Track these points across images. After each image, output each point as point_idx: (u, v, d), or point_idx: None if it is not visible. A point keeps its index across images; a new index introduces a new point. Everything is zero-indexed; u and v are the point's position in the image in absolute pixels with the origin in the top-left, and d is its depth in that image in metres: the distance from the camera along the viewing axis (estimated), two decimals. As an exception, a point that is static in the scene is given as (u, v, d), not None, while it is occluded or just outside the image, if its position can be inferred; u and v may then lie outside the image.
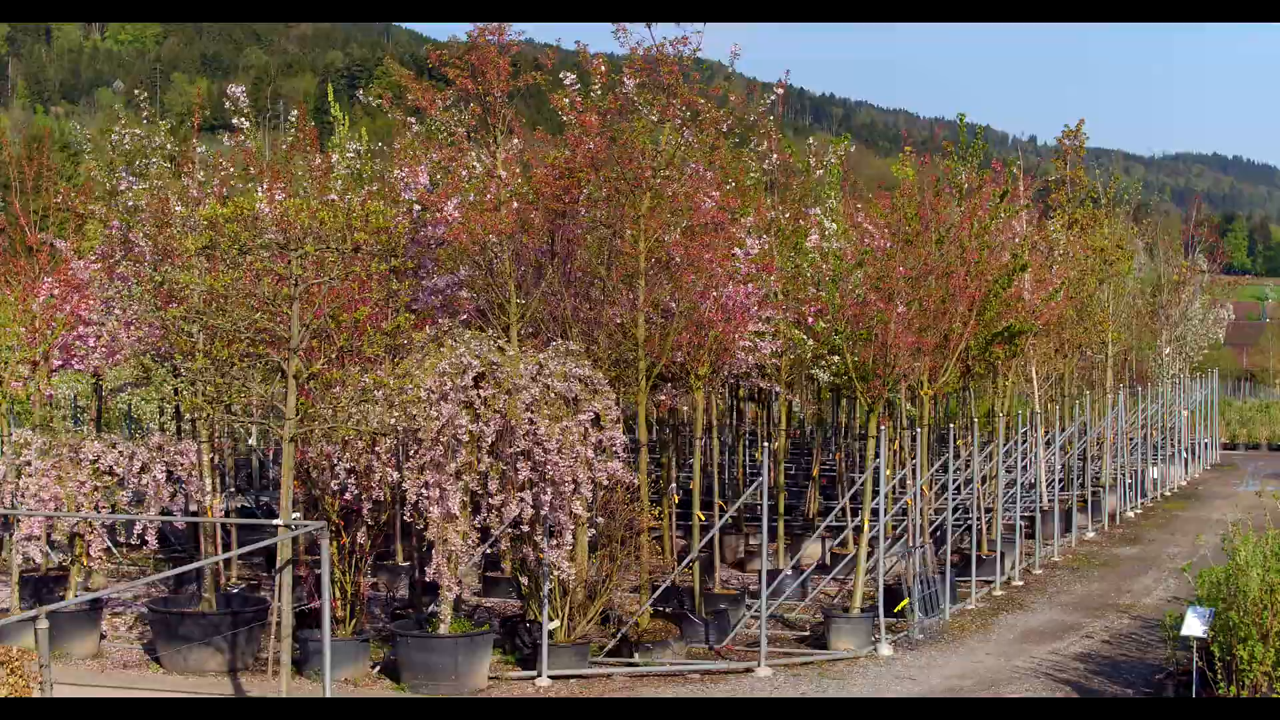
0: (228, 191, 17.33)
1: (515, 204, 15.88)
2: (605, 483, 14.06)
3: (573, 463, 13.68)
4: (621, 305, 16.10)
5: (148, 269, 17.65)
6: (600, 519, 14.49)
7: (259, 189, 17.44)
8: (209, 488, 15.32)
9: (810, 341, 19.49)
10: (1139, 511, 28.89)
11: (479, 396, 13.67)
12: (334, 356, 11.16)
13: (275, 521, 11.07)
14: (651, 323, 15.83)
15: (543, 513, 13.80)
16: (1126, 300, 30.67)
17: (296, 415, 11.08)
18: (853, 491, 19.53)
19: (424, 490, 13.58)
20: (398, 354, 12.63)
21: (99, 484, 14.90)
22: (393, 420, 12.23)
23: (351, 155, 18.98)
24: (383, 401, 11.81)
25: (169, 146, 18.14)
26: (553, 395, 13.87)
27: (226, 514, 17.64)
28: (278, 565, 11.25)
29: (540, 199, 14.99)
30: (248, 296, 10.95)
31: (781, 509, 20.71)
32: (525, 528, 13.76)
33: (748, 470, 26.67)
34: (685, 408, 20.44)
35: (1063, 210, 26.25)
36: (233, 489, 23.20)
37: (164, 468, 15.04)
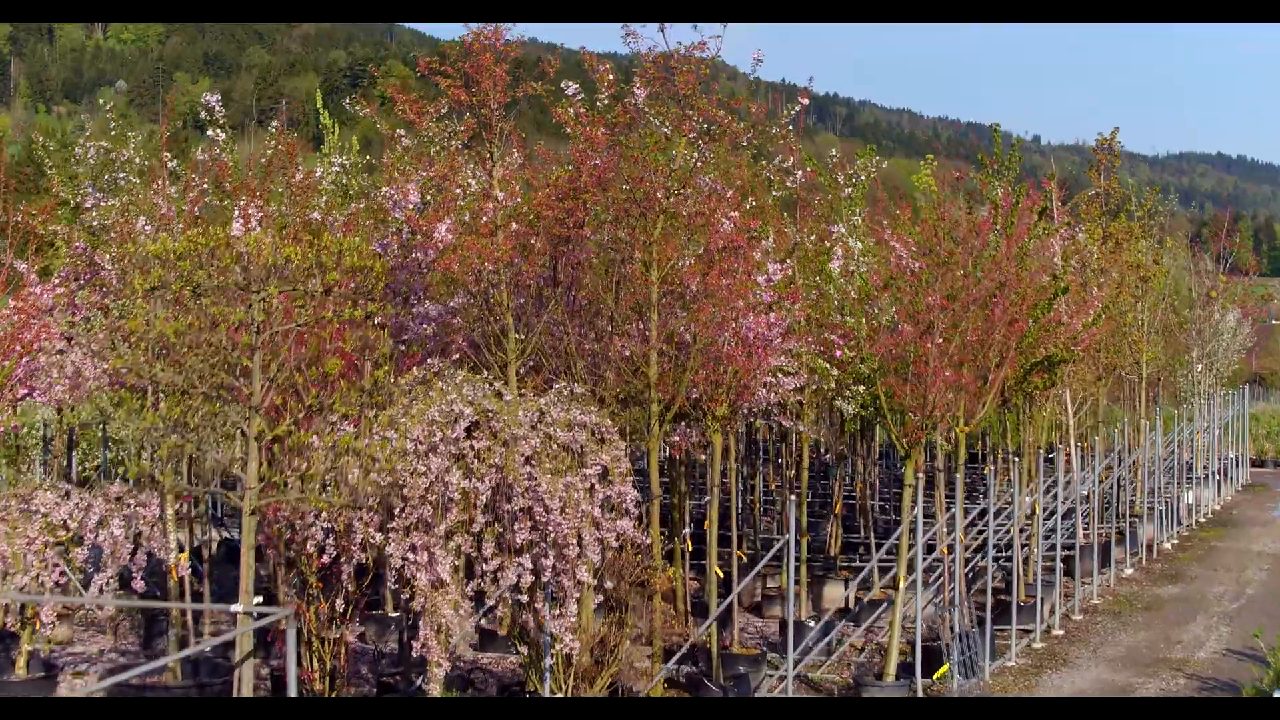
0: (200, 211, 15.86)
1: (514, 225, 14.37)
2: (614, 544, 12.54)
3: (577, 522, 12.16)
4: (631, 337, 14.60)
5: (110, 300, 16.21)
6: (608, 583, 12.97)
7: (236, 206, 15.94)
8: (173, 544, 13.81)
9: (835, 372, 17.99)
10: (1175, 542, 27.33)
11: (472, 449, 12.14)
12: (303, 416, 9.65)
13: (234, 607, 9.56)
14: (664, 355, 14.33)
15: (544, 578, 12.28)
16: (1159, 316, 29.12)
17: (260, 484, 9.56)
18: (883, 540, 18.02)
19: (410, 555, 12.06)
20: (379, 406, 11.10)
21: (52, 540, 13.40)
22: (371, 489, 10.70)
23: (337, 169, 17.48)
24: (361, 463, 10.28)
25: (138, 160, 16.67)
26: (555, 447, 12.34)
27: (199, 559, 16.11)
28: (236, 657, 9.74)
29: (541, 222, 13.47)
30: (202, 345, 9.42)
31: (804, 554, 19.18)
32: (524, 596, 12.23)
33: (764, 497, 25.19)
34: (701, 455, 18.84)
35: (1096, 224, 24.69)
36: (208, 519, 21.65)
37: (124, 521, 13.54)
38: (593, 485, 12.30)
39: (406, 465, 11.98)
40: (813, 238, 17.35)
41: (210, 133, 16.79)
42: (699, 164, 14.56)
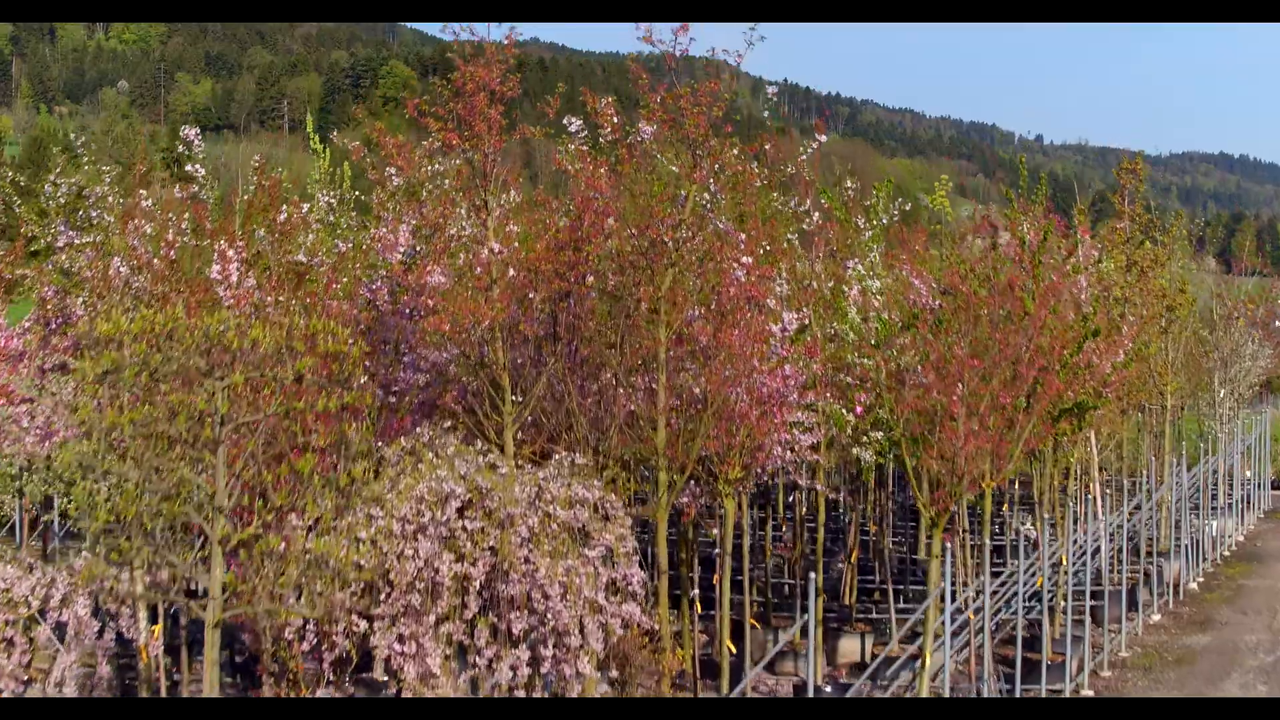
0: (176, 254, 14.85)
1: (512, 271, 13.36)
2: (619, 629, 11.54)
3: (579, 609, 11.16)
4: (637, 389, 13.59)
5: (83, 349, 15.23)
6: (613, 671, 11.97)
7: (215, 249, 14.93)
8: (143, 624, 12.79)
9: (851, 418, 16.98)
10: (1201, 580, 26.28)
11: (464, 530, 11.15)
12: (271, 520, 8.64)
13: (195, 731, 8.56)
14: (674, 410, 13.32)
15: (543, 668, 11.30)
16: (1184, 344, 28.05)
17: (225, 594, 8.55)
18: (900, 583, 17.00)
19: (397, 645, 11.07)
20: (352, 492, 10.09)
21: (11, 617, 12.39)
22: (353, 577, 9.70)
23: (325, 206, 16.46)
24: (337, 570, 9.27)
25: (111, 199, 15.67)
26: (555, 526, 11.35)
27: (176, 624, 15.10)
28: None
29: (540, 276, 12.46)
30: (160, 437, 8.42)
31: (820, 610, 18.14)
32: (521, 692, 11.23)
33: (774, 532, 24.16)
34: (713, 528, 17.73)
35: (1120, 251, 23.63)
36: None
37: (90, 599, 12.52)
38: (596, 569, 11.32)
39: (393, 547, 11.01)
40: (830, 284, 16.31)
41: (189, 168, 15.77)
42: (710, 208, 13.55)
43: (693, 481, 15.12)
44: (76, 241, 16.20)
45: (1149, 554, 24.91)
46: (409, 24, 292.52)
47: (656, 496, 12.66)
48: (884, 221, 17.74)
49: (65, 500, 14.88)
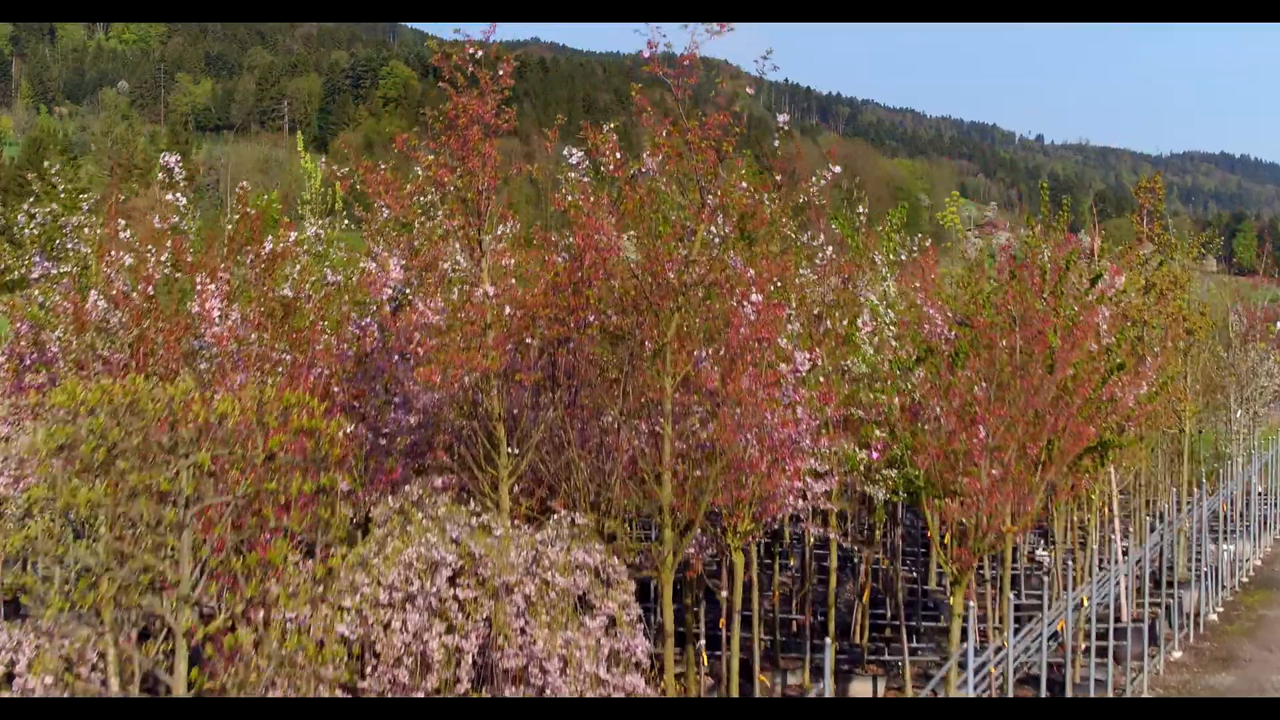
0: (154, 290, 14.10)
1: (508, 309, 12.58)
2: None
3: (580, 685, 10.40)
4: (640, 434, 12.83)
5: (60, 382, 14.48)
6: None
7: (196, 283, 14.18)
8: (117, 687, 12.01)
9: (863, 454, 16.22)
10: (1221, 611, 25.49)
11: (456, 600, 10.38)
12: (241, 611, 7.88)
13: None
14: (679, 455, 12.54)
15: (540, 746, 10.52)
16: (1202, 365, 27.30)
17: (190, 691, 7.78)
18: (911, 617, 16.23)
19: (383, 723, 10.29)
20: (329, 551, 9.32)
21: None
22: (336, 653, 8.93)
23: (313, 235, 15.70)
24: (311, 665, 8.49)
25: (87, 230, 14.92)
26: (554, 594, 10.58)
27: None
28: None
29: (538, 323, 11.69)
30: (119, 520, 7.66)
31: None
32: (516, 773, 10.45)
33: (781, 561, 23.38)
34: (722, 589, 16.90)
35: (1138, 272, 22.87)
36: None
37: (61, 662, 11.76)
38: (598, 640, 10.56)
39: (379, 617, 10.24)
40: (845, 321, 15.54)
41: (171, 196, 15.01)
42: (717, 240, 12.76)
43: (699, 531, 14.36)
44: (53, 272, 15.48)
45: (1169, 584, 24.14)
46: (409, 24, 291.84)
47: (660, 554, 11.87)
48: (901, 258, 16.95)
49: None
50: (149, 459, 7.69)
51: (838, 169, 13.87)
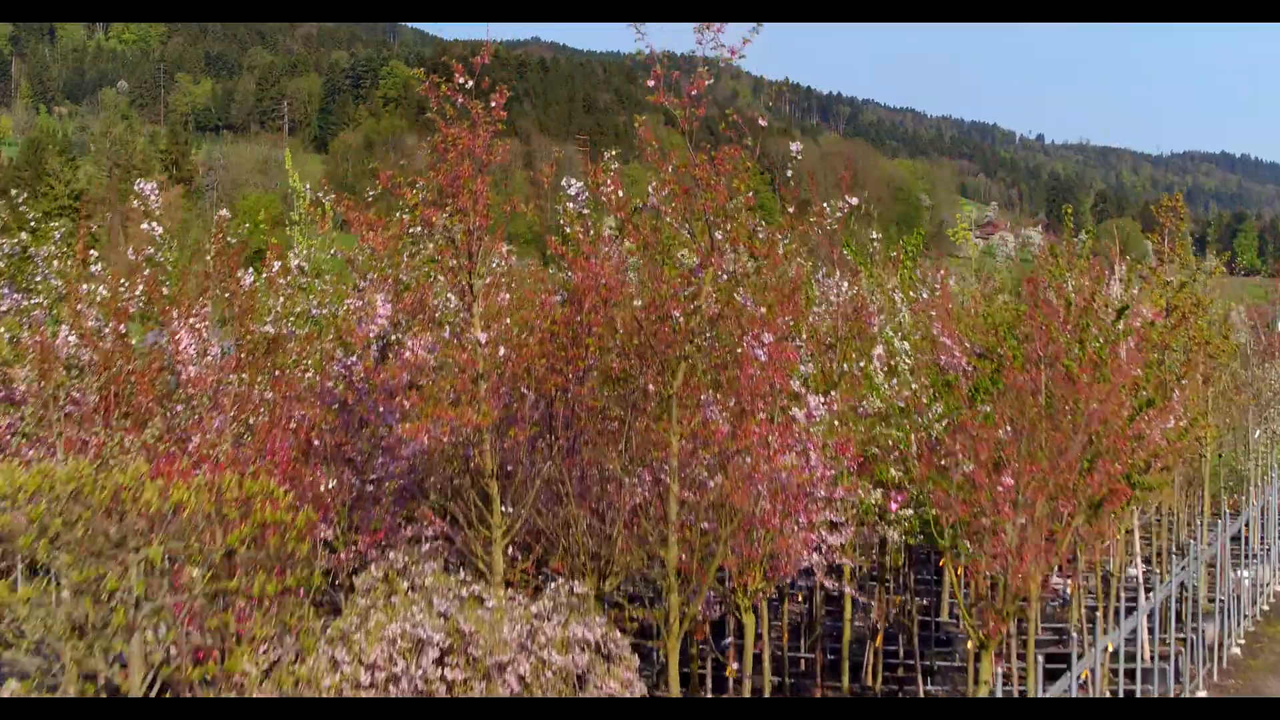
0: (127, 328, 13.28)
1: (502, 350, 11.73)
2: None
3: (578, 773, 9.55)
4: (642, 483, 12.00)
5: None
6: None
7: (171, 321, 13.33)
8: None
9: (877, 494, 15.41)
10: (1243, 643, 24.63)
11: (443, 680, 9.55)
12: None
13: None
14: (684, 504, 11.70)
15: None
16: (1223, 387, 26.43)
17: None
18: (925, 654, 15.38)
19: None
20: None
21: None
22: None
23: (297, 268, 14.86)
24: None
25: (56, 263, 14.10)
26: (550, 674, 9.74)
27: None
28: None
29: (533, 374, 10.85)
30: (62, 620, 6.81)
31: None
32: None
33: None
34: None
35: (1159, 294, 21.98)
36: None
37: None
38: (597, 724, 9.71)
39: (360, 697, 9.40)
40: (860, 364, 14.70)
41: (145, 226, 14.17)
42: (725, 280, 11.91)
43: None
44: (22, 305, 14.68)
45: (1192, 616, 23.29)
46: (409, 24, 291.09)
47: (667, 624, 11.02)
48: (924, 295, 16.10)
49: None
50: (95, 553, 6.85)
51: (854, 200, 13.02)
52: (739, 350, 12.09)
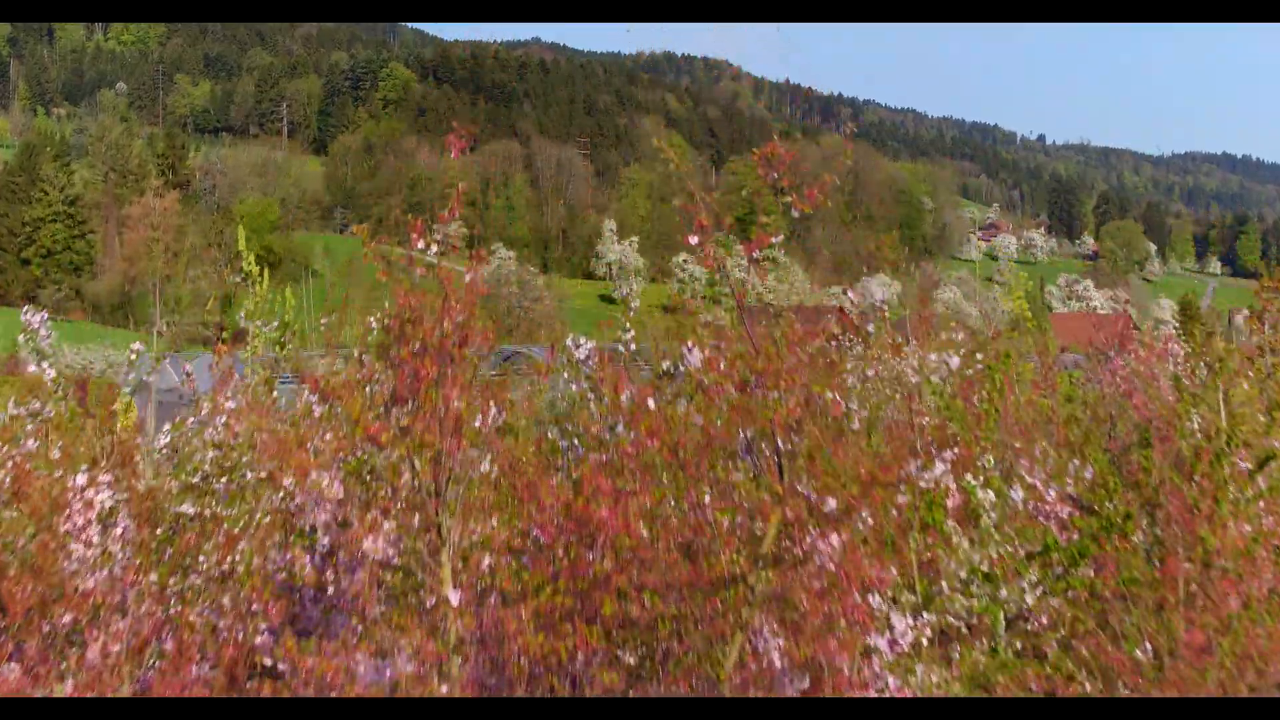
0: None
1: (488, 558, 8.62)
2: None
3: None
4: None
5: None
6: None
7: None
8: None
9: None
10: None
11: None
12: None
13: None
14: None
15: None
16: None
17: None
18: None
19: None
20: None
21: None
22: None
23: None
24: None
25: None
26: None
27: None
28: None
29: (521, 659, 7.73)
30: None
31: None
32: None
33: None
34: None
35: (1255, 386, 18.74)
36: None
37: None
38: None
39: None
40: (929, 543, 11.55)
41: (36, 367, 11.01)
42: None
43: None
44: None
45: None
46: (409, 24, 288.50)
47: None
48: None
49: None
50: None
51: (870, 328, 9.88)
52: (797, 553, 8.96)
